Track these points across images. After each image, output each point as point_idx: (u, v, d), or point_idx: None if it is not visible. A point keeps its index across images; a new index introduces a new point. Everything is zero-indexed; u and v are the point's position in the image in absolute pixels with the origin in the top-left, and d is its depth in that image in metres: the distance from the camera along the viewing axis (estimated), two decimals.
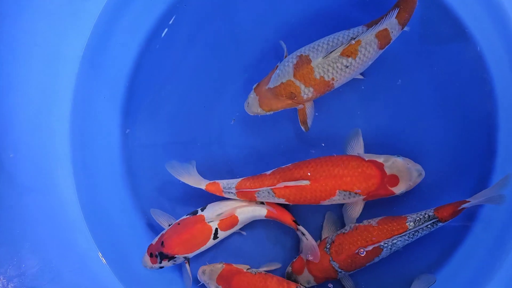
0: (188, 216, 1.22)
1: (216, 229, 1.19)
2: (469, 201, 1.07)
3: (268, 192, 1.15)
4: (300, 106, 1.15)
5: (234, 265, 1.19)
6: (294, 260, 1.20)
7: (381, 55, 1.12)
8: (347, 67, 1.08)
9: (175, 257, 1.20)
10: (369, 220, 1.14)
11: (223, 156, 1.26)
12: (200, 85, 1.27)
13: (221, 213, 1.18)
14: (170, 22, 1.28)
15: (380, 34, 1.07)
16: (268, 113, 1.15)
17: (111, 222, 1.29)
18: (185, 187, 1.20)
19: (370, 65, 1.12)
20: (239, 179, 1.18)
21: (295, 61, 1.10)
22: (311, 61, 1.08)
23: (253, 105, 1.15)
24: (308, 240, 1.15)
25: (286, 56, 1.15)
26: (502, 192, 1.06)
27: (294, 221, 1.18)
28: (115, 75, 1.28)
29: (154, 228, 1.28)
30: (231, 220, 1.20)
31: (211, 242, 1.20)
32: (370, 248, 1.10)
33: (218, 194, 1.19)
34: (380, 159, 1.12)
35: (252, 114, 1.17)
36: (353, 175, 1.10)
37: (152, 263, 1.22)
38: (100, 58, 1.28)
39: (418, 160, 1.13)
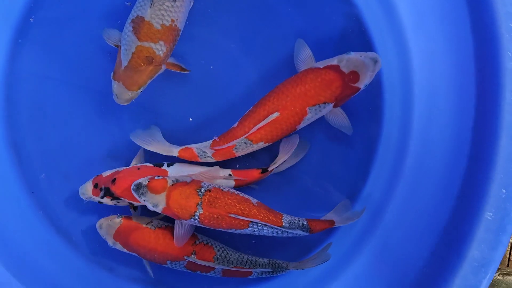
0: (151, 165, 1.16)
1: None
2: (335, 223, 1.17)
3: (245, 143, 1.13)
4: (164, 66, 1.14)
5: (134, 219, 1.15)
6: (156, 178, 1.08)
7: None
8: (175, 1, 1.11)
9: (120, 199, 1.13)
10: (249, 196, 1.12)
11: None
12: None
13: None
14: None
15: None
16: (139, 91, 1.12)
17: None
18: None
19: None
20: (210, 141, 1.15)
21: (131, 28, 1.10)
22: (144, 17, 1.10)
23: (122, 93, 1.11)
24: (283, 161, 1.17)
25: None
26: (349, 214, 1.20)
27: (262, 172, 1.17)
28: None
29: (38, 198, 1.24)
30: None
31: None
32: (242, 218, 1.07)
33: (193, 160, 1.15)
34: (334, 61, 1.12)
35: (126, 103, 1.13)
36: (315, 86, 1.10)
37: (93, 194, 1.15)
38: None
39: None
